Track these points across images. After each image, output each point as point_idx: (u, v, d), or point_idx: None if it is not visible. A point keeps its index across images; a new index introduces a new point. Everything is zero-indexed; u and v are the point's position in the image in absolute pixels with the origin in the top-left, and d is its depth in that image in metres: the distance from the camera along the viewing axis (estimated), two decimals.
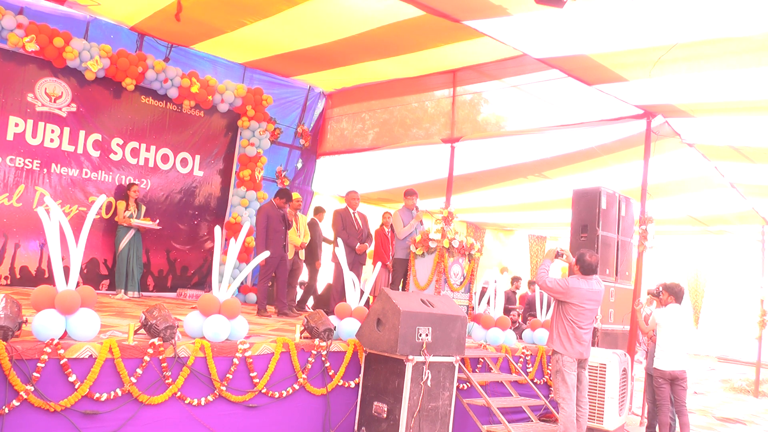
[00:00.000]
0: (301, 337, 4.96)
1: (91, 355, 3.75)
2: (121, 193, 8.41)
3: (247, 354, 4.44)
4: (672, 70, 5.82)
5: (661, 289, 6.38)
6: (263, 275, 7.54)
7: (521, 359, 6.64)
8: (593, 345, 6.39)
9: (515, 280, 12.57)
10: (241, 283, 8.09)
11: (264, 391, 4.53)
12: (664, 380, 6.12)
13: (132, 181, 8.48)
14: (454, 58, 7.70)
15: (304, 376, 4.77)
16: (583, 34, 5.48)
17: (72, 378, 3.66)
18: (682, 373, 6.10)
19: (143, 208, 8.37)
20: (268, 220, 7.40)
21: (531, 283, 11.54)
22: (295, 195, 8.51)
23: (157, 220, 8.43)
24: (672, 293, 6.21)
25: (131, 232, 8.14)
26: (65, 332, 3.79)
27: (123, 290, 7.98)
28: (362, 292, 5.77)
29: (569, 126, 7.79)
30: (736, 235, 13.00)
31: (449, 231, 7.01)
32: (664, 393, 6.13)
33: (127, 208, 8.11)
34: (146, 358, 3.95)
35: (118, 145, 8.56)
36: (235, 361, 4.37)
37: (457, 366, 5.09)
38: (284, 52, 8.43)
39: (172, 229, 8.89)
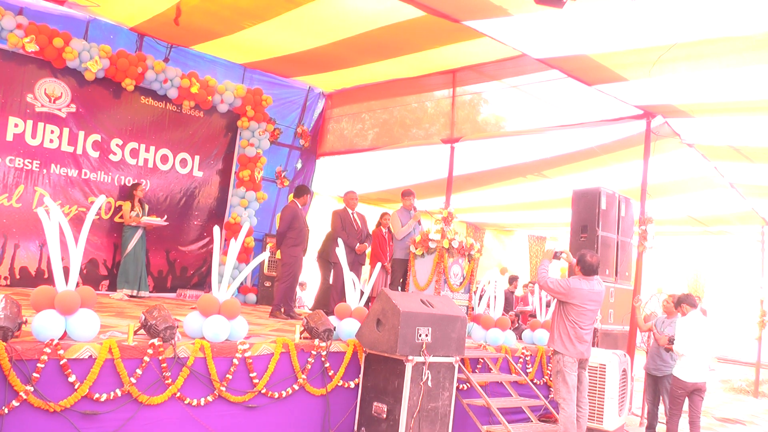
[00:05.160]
0: (300, 338, 4.95)
1: (90, 356, 3.75)
2: (125, 193, 8.43)
3: (246, 354, 4.43)
4: (672, 70, 5.82)
5: (676, 302, 6.31)
6: (284, 277, 7.43)
7: (521, 360, 6.64)
8: (593, 345, 6.38)
9: (513, 279, 12.56)
10: (241, 283, 8.08)
11: (264, 391, 4.52)
12: (684, 391, 6.01)
13: (136, 181, 8.49)
14: (453, 58, 7.70)
15: (303, 376, 4.77)
16: (583, 34, 5.48)
17: (72, 378, 3.65)
18: (704, 384, 6.02)
19: (146, 208, 8.39)
20: (293, 220, 7.37)
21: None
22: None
23: (165, 216, 8.45)
24: (687, 303, 6.11)
25: (139, 232, 8.16)
26: (65, 333, 3.78)
27: (135, 290, 7.99)
28: (362, 293, 5.77)
29: (569, 126, 7.79)
30: (736, 235, 13.00)
31: (449, 231, 7.00)
32: (679, 403, 6.06)
33: (132, 208, 8.12)
34: (146, 358, 3.95)
35: (117, 145, 8.55)
36: (235, 361, 4.37)
37: (456, 366, 5.09)
38: (284, 55, 8.44)
39: (171, 229, 8.89)
